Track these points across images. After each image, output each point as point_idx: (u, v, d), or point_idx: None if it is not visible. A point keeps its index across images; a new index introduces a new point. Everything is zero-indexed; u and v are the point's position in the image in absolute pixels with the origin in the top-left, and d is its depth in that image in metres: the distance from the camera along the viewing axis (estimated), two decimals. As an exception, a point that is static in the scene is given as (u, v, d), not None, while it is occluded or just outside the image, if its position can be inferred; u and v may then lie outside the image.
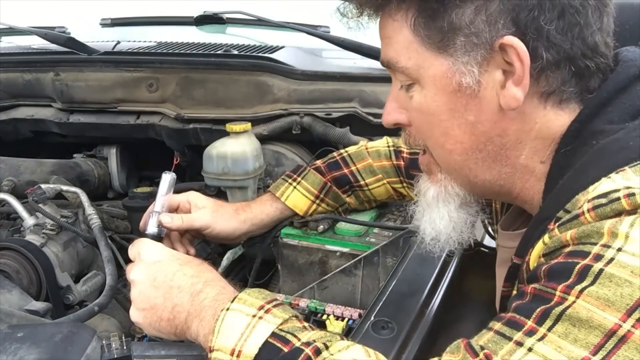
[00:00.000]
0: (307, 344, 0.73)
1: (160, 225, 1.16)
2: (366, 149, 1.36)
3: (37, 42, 1.99)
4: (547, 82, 0.76)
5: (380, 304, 0.99)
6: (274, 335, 0.76)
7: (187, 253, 1.25)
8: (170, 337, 0.89)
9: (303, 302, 1.14)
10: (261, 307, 0.79)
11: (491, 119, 0.79)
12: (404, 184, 1.33)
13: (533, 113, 0.78)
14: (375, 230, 1.29)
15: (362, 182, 1.33)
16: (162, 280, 0.89)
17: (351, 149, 1.37)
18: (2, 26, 2.12)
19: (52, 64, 1.81)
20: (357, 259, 1.22)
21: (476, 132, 0.80)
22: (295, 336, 0.75)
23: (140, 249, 0.96)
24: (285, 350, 0.73)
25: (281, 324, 0.77)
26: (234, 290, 0.87)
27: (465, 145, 0.82)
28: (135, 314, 0.90)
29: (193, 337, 0.85)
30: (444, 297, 1.05)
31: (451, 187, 0.89)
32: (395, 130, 0.92)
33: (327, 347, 0.72)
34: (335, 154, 1.37)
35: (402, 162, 1.33)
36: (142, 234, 1.17)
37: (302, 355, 0.71)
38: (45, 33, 1.88)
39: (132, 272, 0.92)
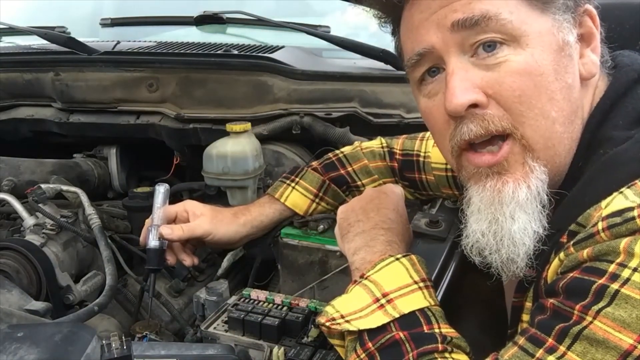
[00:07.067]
0: (443, 337, 0.76)
1: (161, 237, 1.16)
2: (361, 149, 1.35)
3: (37, 42, 1.99)
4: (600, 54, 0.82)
5: (380, 304, 0.98)
6: (423, 310, 0.80)
7: (192, 262, 1.24)
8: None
9: (303, 302, 1.13)
10: (424, 280, 0.84)
11: (578, 86, 0.80)
12: (400, 185, 1.33)
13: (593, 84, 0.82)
14: (375, 230, 1.29)
15: (358, 183, 1.33)
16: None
17: (346, 150, 1.37)
18: (2, 26, 2.11)
19: (52, 64, 1.81)
20: (357, 259, 1.22)
21: (572, 98, 0.79)
22: (437, 322, 0.79)
23: None
24: (425, 329, 0.77)
25: (434, 305, 0.81)
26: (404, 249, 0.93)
27: (565, 113, 0.78)
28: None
29: (346, 248, 0.93)
30: (444, 297, 1.05)
31: (540, 183, 0.77)
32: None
33: (450, 352, 0.75)
34: (330, 155, 1.37)
35: (395, 164, 1.33)
36: (144, 249, 1.17)
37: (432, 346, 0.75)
38: (45, 33, 1.87)
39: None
